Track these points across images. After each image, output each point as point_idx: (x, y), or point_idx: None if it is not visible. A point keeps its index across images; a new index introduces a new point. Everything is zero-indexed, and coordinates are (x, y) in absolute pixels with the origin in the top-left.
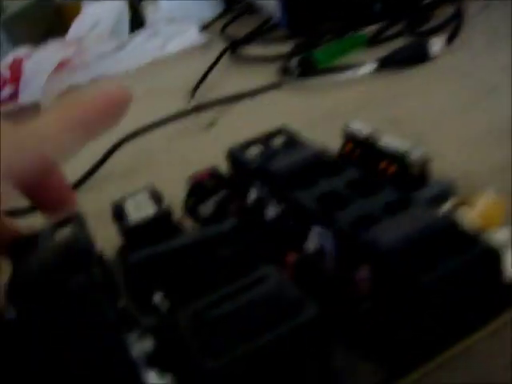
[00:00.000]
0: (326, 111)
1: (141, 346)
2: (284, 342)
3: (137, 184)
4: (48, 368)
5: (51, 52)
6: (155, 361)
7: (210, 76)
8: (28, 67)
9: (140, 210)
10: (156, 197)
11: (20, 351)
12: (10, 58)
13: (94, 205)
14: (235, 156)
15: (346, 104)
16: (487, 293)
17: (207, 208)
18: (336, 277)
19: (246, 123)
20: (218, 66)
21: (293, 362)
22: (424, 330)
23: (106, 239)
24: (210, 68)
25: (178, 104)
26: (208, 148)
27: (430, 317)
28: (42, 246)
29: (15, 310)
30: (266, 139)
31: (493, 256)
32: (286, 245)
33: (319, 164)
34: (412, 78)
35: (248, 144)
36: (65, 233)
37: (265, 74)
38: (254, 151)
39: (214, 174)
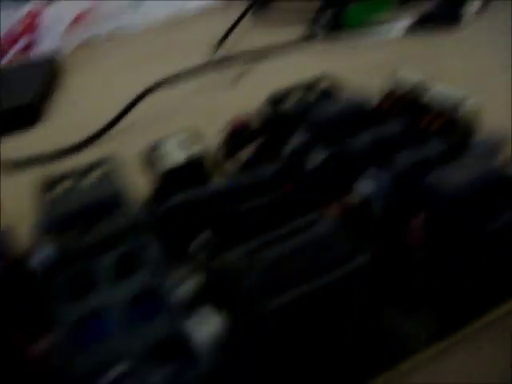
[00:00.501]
0: (357, 69)
1: (185, 286)
2: (337, 288)
3: (162, 134)
4: None
5: (69, 4)
6: (200, 301)
7: (234, 31)
8: (45, 19)
9: (174, 155)
10: (190, 142)
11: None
12: (25, 11)
13: (118, 153)
14: (276, 102)
15: (379, 60)
16: None
17: (245, 154)
18: (388, 225)
19: (274, 78)
20: (244, 22)
21: (343, 310)
22: (477, 284)
23: (132, 188)
24: (236, 22)
25: (201, 58)
26: (235, 100)
27: (484, 270)
28: (74, 185)
29: (53, 246)
30: (307, 86)
31: None
32: (331, 191)
33: (365, 112)
34: (448, 38)
35: (288, 91)
36: (97, 174)
37: (293, 31)
38: (295, 98)
39: (251, 122)
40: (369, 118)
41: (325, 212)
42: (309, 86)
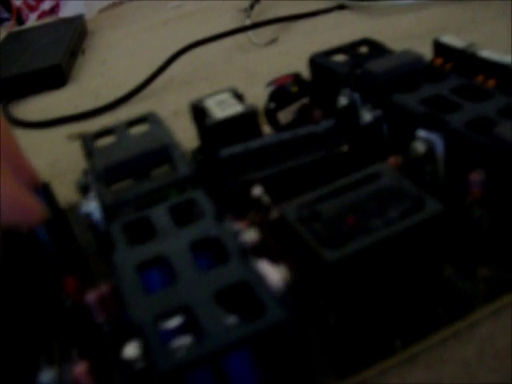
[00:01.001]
0: (398, 33)
1: (248, 234)
2: (407, 237)
3: (197, 94)
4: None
5: None
6: (262, 253)
7: None
8: None
9: (225, 107)
10: (238, 97)
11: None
12: None
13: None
14: (320, 62)
15: (418, 27)
16: None
17: (288, 114)
18: (446, 181)
19: (310, 42)
20: None
21: (413, 258)
22: None
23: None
24: None
25: (233, 22)
26: (271, 62)
27: None
28: (119, 138)
29: (106, 193)
30: (350, 48)
31: None
32: (382, 149)
33: (419, 69)
34: (485, 6)
35: (331, 52)
36: (143, 128)
37: None
38: (339, 58)
39: (297, 80)
40: (429, 72)
41: (385, 164)
42: (353, 47)
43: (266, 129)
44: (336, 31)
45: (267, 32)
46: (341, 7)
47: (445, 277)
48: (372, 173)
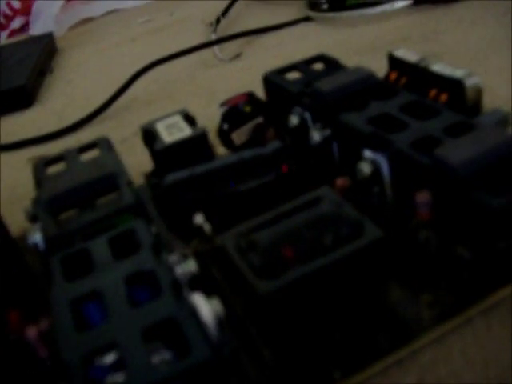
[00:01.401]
0: (361, 45)
1: (184, 267)
2: (345, 265)
3: (160, 113)
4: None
5: None
6: (199, 284)
7: (233, 9)
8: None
9: (174, 131)
10: (189, 120)
11: None
12: None
13: (115, 132)
14: (273, 80)
15: (381, 38)
16: None
17: (241, 134)
18: (393, 202)
19: (274, 56)
20: (241, 2)
21: (352, 286)
22: (489, 259)
23: (130, 167)
24: (233, 1)
25: (200, 36)
26: (234, 79)
27: (495, 244)
28: (69, 165)
29: (50, 224)
30: (304, 65)
31: None
32: (332, 170)
33: (369, 86)
34: (452, 13)
35: (285, 69)
36: (92, 155)
37: (291, 10)
38: (292, 76)
39: (250, 99)
40: (379, 89)
41: (327, 188)
42: (307, 64)
43: (222, 150)
44: (301, 44)
45: (233, 46)
46: (306, 19)
47: (387, 303)
48: (313, 198)
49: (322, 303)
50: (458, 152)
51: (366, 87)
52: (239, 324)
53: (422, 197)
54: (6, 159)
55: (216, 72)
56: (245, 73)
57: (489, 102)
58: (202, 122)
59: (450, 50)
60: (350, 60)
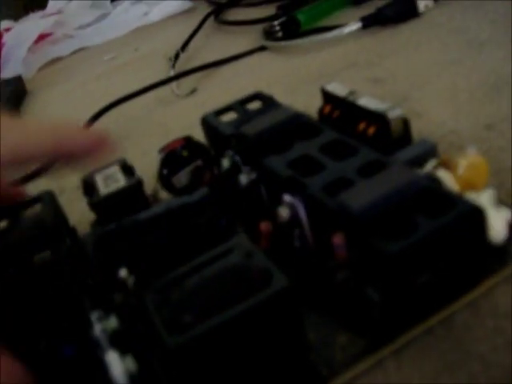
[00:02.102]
0: (311, 72)
1: (104, 324)
2: (252, 316)
3: (117, 155)
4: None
5: (31, 24)
6: (118, 340)
7: (193, 41)
8: (8, 40)
9: (110, 183)
10: (127, 169)
11: None
12: None
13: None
14: (209, 123)
15: (330, 64)
16: (472, 257)
17: (182, 178)
18: (312, 244)
19: (229, 88)
20: (202, 31)
21: (263, 335)
22: (402, 299)
23: (84, 213)
24: (193, 33)
25: (163, 71)
26: (188, 116)
27: (407, 285)
28: (10, 222)
29: None
30: (241, 105)
31: (475, 217)
32: (259, 213)
33: (295, 127)
34: (399, 35)
35: (223, 110)
36: (34, 210)
37: (249, 38)
38: (229, 117)
39: (187, 143)
40: (305, 130)
41: (239, 237)
42: (243, 103)
43: (164, 194)
44: (255, 75)
45: (190, 81)
46: (262, 48)
47: (302, 346)
48: (226, 249)
49: (234, 352)
50: (360, 196)
51: (291, 128)
52: (154, 379)
53: (338, 238)
54: None
55: (172, 109)
56: (198, 109)
57: (424, 127)
58: (152, 163)
59: (392, 74)
60: (298, 89)
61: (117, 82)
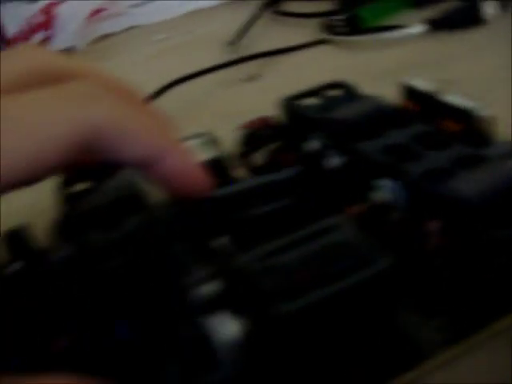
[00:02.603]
0: (377, 69)
1: (208, 287)
2: (357, 292)
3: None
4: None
5: (83, 1)
6: (224, 304)
7: (250, 30)
8: (61, 13)
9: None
10: (210, 142)
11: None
12: (44, 3)
13: None
14: (291, 105)
15: (396, 64)
16: None
17: (260, 157)
18: (406, 229)
19: (291, 78)
20: (259, 22)
21: (363, 311)
22: (497, 289)
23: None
24: (251, 21)
25: (218, 56)
26: (251, 100)
27: (504, 275)
28: (95, 185)
29: (71, 245)
30: (322, 91)
31: None
32: (347, 196)
33: (384, 116)
34: (465, 41)
35: (303, 94)
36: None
37: (308, 32)
38: (310, 102)
39: (268, 123)
40: (394, 119)
41: (342, 216)
42: (325, 90)
43: (241, 172)
44: (317, 67)
45: (248, 67)
46: (322, 42)
47: (397, 327)
48: (328, 225)
49: (335, 325)
50: (470, 184)
51: (382, 116)
52: (257, 346)
53: (435, 225)
54: None
55: (234, 93)
56: (262, 94)
57: (499, 132)
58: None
59: (465, 76)
60: (366, 85)
61: (169, 63)
